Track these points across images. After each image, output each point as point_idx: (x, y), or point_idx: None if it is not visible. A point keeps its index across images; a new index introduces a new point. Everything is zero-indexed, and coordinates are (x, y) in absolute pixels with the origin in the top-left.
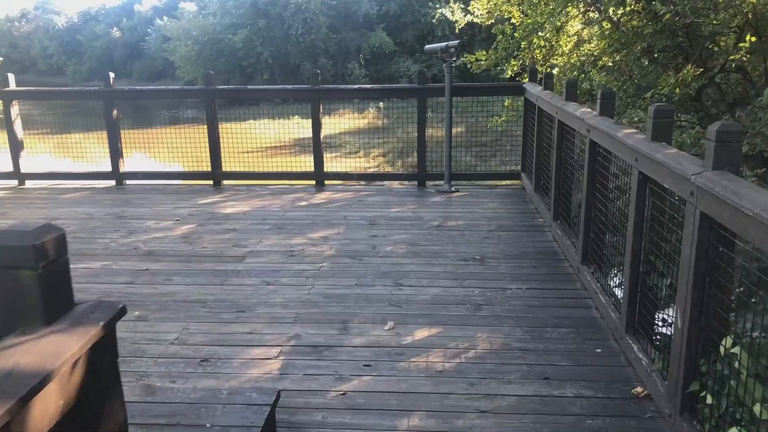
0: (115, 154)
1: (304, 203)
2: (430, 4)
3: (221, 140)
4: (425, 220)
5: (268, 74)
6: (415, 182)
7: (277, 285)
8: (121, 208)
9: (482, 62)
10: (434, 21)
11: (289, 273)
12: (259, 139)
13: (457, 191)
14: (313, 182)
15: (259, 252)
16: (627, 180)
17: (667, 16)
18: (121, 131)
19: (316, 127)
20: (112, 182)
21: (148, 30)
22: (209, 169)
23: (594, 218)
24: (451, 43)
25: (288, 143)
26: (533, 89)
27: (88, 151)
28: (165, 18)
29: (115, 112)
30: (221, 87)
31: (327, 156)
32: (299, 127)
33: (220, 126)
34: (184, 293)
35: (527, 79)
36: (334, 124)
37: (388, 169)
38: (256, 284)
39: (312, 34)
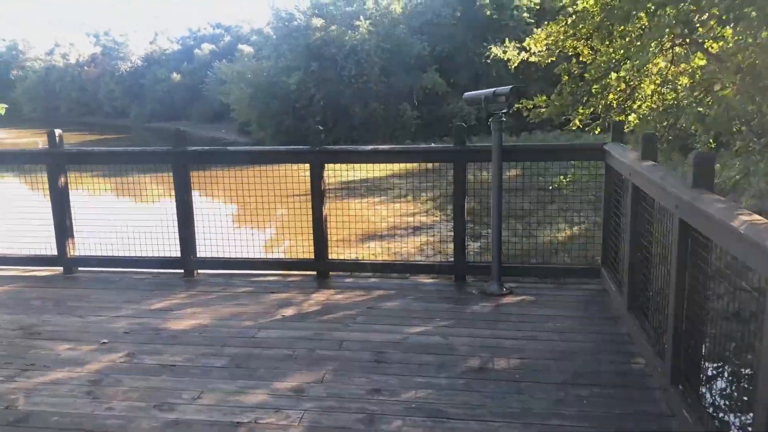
0: (63, 233)
1: (290, 312)
2: (484, 44)
3: (197, 214)
4: (461, 353)
5: (320, 116)
6: (452, 276)
7: None
8: (42, 316)
9: (542, 110)
10: (488, 61)
11: None
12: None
13: (510, 293)
14: (315, 272)
15: (186, 424)
16: None
17: None
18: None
19: (317, 197)
20: (60, 269)
21: (208, 73)
22: (180, 254)
23: None
24: (500, 90)
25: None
26: (622, 154)
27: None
28: (223, 61)
29: (63, 179)
30: (195, 149)
31: (373, 201)
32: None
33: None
34: None
35: (598, 131)
36: (384, 165)
37: (434, 217)
38: None
39: (365, 75)
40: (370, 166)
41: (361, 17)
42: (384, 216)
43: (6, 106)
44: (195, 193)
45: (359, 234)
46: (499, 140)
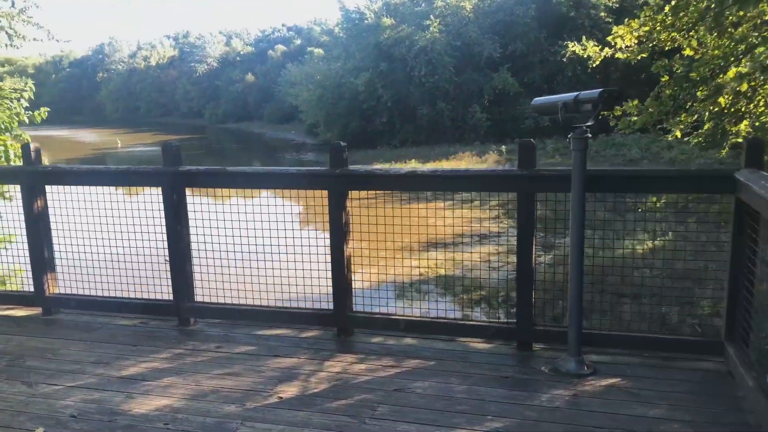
0: (40, 267)
1: (291, 390)
2: (560, 42)
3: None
4: None
5: (387, 117)
6: (513, 343)
7: None
8: None
9: (633, 118)
10: (564, 60)
11: None
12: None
13: (593, 373)
14: (335, 329)
15: None
16: None
17: None
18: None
19: (338, 233)
20: (38, 310)
21: (281, 73)
22: (173, 298)
23: None
24: (586, 95)
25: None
26: (764, 188)
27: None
28: (293, 62)
29: (39, 201)
30: (189, 170)
31: (437, 205)
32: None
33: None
34: None
35: (696, 141)
36: (452, 167)
37: (504, 224)
38: None
39: (436, 75)
40: (436, 166)
41: (431, 16)
42: (447, 223)
43: (48, 109)
44: (201, 215)
45: (420, 242)
46: (582, 164)
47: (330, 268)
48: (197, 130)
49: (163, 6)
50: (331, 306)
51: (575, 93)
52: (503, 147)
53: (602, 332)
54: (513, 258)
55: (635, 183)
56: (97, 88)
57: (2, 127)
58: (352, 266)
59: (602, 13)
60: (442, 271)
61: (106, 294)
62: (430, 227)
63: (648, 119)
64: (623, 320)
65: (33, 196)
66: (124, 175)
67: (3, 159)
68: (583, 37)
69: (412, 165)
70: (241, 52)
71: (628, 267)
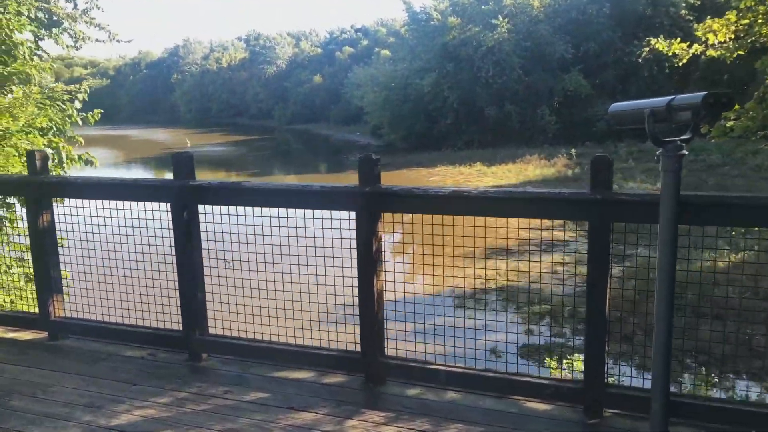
0: (45, 287)
1: None
2: (635, 41)
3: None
4: None
5: (452, 118)
6: (580, 407)
7: None
8: None
9: (729, 122)
10: (639, 60)
11: None
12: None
13: None
14: (362, 374)
15: None
16: None
17: None
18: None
19: (367, 263)
20: (44, 334)
21: (348, 75)
22: (183, 329)
23: None
24: (683, 100)
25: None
26: None
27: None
28: (360, 64)
29: (46, 216)
30: (203, 183)
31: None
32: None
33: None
34: None
35: None
36: (519, 170)
37: (570, 233)
38: None
39: (504, 75)
40: (502, 169)
41: (499, 16)
42: (510, 225)
43: (101, 111)
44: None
45: (477, 248)
46: (675, 189)
47: (357, 303)
48: (266, 131)
49: (234, 6)
50: (359, 347)
51: (668, 97)
52: (573, 150)
53: (697, 402)
54: (582, 269)
55: (715, 213)
56: (171, 89)
57: (55, 129)
58: (384, 302)
59: (682, 11)
60: (501, 282)
61: (117, 318)
62: (490, 230)
63: (749, 125)
64: (720, 384)
65: (38, 209)
66: (128, 188)
67: (56, 162)
68: (660, 36)
69: (477, 167)
70: (310, 54)
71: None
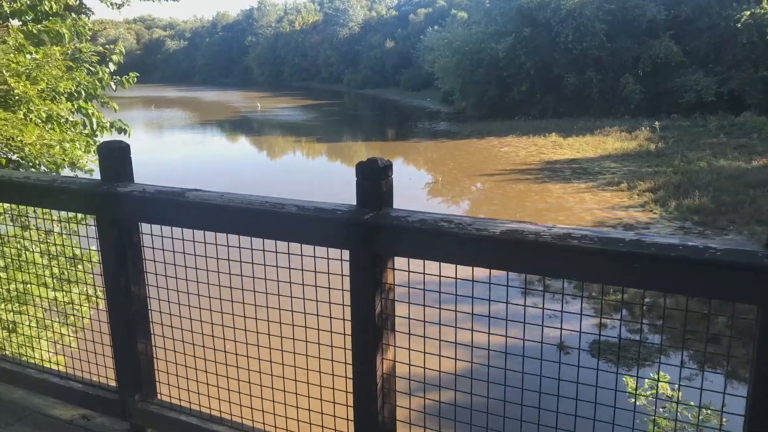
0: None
1: None
2: (734, 4)
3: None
4: None
5: (527, 85)
6: None
7: None
8: None
9: None
10: (739, 25)
11: None
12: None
13: None
14: None
15: None
16: None
17: None
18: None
19: (366, 329)
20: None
21: (421, 38)
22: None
23: None
24: None
25: None
26: None
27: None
28: (434, 27)
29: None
30: (136, 188)
31: (577, 186)
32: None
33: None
34: None
35: None
36: (597, 143)
37: (653, 213)
38: None
39: (584, 41)
40: (579, 141)
41: None
42: (586, 207)
43: (137, 74)
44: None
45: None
46: None
47: (352, 390)
48: (336, 95)
49: None
50: None
51: None
52: (656, 123)
53: None
54: None
55: None
56: (245, 51)
57: (84, 93)
58: (393, 384)
59: None
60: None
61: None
62: (565, 211)
63: None
64: None
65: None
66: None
67: (88, 129)
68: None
69: (552, 139)
70: (384, 16)
71: None
